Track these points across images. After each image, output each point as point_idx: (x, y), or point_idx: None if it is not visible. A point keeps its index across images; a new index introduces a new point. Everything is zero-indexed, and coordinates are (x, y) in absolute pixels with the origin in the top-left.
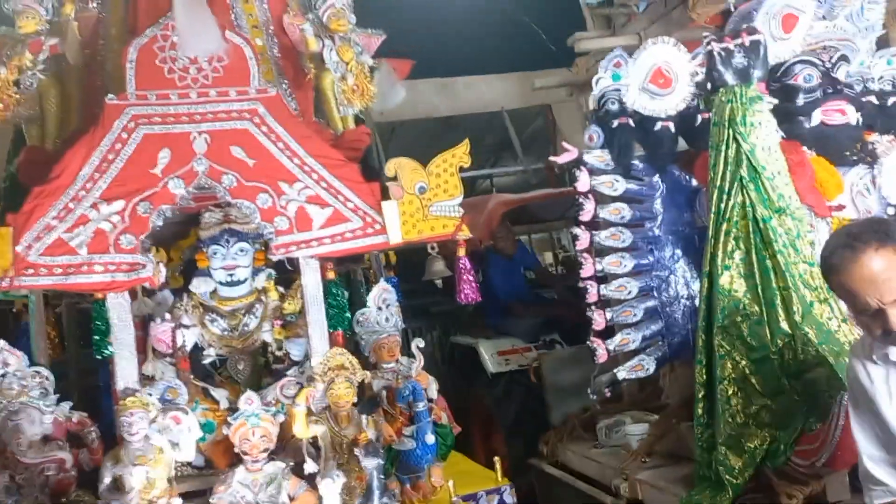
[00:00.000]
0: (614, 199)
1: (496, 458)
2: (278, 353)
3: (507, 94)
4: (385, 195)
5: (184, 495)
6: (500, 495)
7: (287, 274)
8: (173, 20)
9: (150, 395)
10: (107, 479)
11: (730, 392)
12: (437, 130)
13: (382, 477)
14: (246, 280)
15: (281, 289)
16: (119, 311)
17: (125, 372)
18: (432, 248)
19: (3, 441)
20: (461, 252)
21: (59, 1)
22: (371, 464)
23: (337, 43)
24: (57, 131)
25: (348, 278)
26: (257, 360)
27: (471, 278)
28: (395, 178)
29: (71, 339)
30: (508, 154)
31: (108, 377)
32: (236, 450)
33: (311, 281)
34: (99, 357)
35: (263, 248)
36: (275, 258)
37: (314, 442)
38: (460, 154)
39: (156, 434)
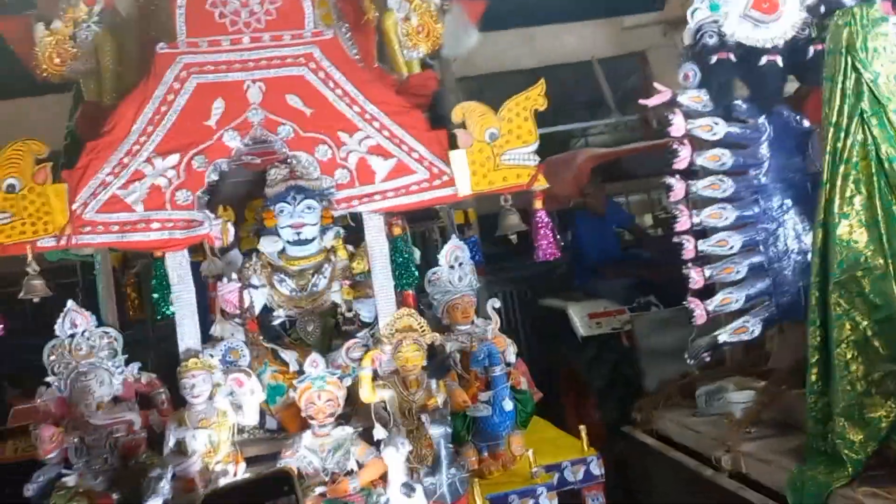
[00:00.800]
0: (714, 145)
1: (581, 427)
2: (348, 315)
3: (596, 42)
4: (453, 144)
5: (254, 458)
6: (586, 466)
7: (357, 232)
8: None
9: (212, 356)
10: (171, 442)
11: (848, 356)
12: (524, 85)
13: (450, 446)
14: (314, 239)
15: (350, 247)
16: (178, 269)
17: (187, 332)
18: (505, 201)
19: (72, 402)
20: (538, 204)
21: None
22: (437, 432)
23: None
24: (113, 85)
25: (423, 237)
26: (327, 322)
27: (549, 233)
28: (462, 125)
29: (146, 297)
30: (601, 108)
31: None
32: (303, 414)
33: (375, 238)
34: (160, 318)
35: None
36: (337, 213)
37: (386, 407)
38: (535, 96)
39: (219, 396)
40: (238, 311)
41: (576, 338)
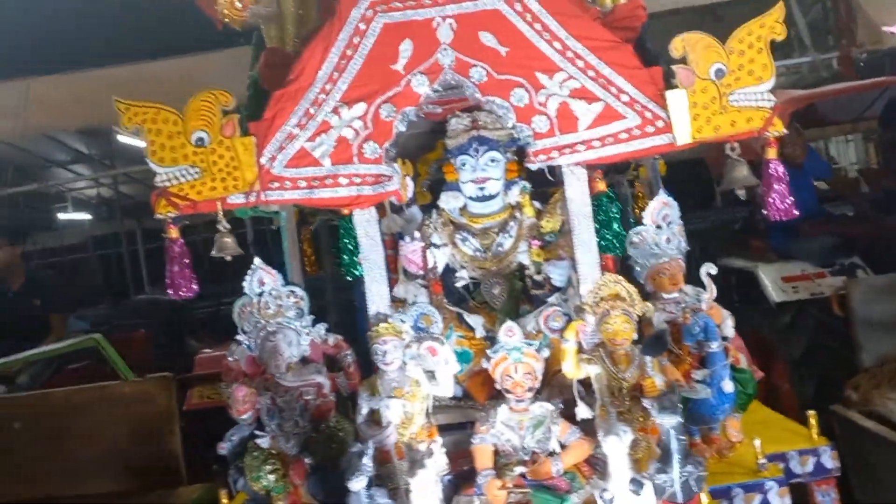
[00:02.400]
0: None
1: (810, 413)
2: (537, 278)
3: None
4: (670, 83)
5: (444, 427)
6: (816, 457)
7: (543, 187)
8: None
9: (403, 321)
10: (364, 412)
11: None
12: (698, 26)
13: (684, 438)
14: (497, 194)
15: (537, 204)
16: (367, 228)
17: (376, 295)
18: (732, 149)
19: (262, 362)
20: (771, 153)
21: None
22: (669, 422)
23: None
24: (295, 30)
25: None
26: (514, 285)
27: (784, 188)
28: (682, 61)
29: (326, 256)
30: (791, 45)
31: (363, 298)
32: (497, 386)
33: (578, 194)
34: (349, 278)
35: (516, 159)
36: (533, 167)
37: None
38: (771, 23)
39: (412, 364)
40: (421, 272)
41: (766, 303)
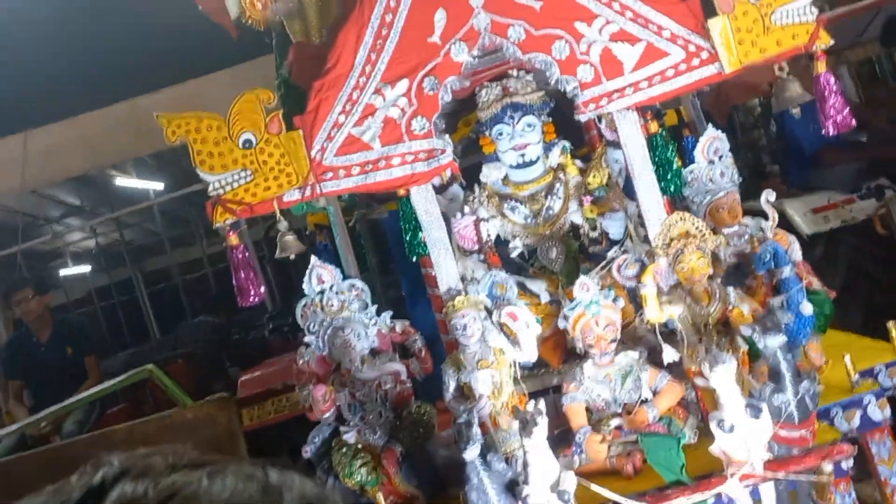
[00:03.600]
0: None
1: (890, 324)
2: (593, 234)
3: None
4: (710, 11)
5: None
6: None
7: (581, 147)
8: None
9: (479, 293)
10: (451, 388)
11: None
12: None
13: (790, 356)
14: (538, 159)
15: (579, 162)
16: (427, 205)
17: (445, 271)
18: (780, 69)
19: (333, 359)
20: (821, 67)
21: None
22: (774, 342)
23: None
24: (319, 21)
25: None
26: (570, 245)
27: (840, 100)
28: None
29: (369, 251)
30: None
31: (411, 285)
32: (578, 345)
33: (633, 138)
34: (413, 259)
35: (552, 120)
36: (584, 118)
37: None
38: None
39: (493, 333)
40: (476, 247)
41: (798, 238)
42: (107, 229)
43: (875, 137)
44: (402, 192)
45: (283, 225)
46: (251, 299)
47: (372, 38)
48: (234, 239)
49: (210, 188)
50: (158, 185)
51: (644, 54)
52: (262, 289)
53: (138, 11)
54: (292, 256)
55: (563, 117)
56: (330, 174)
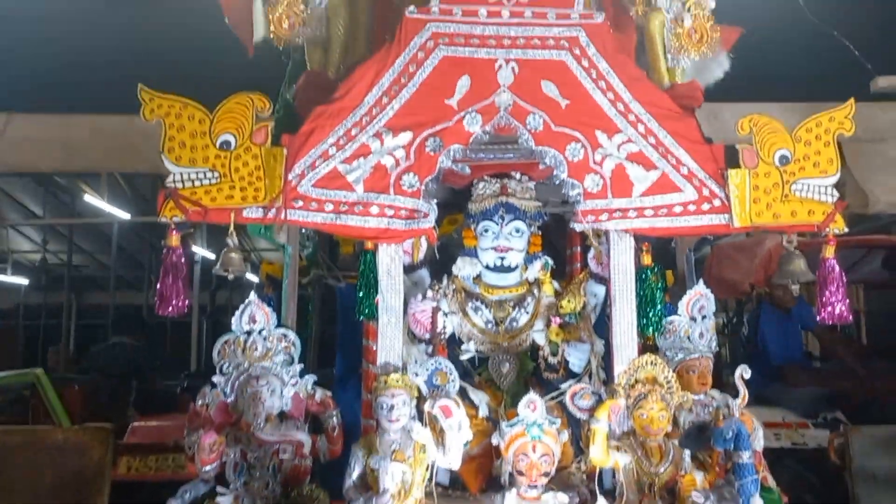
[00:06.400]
0: None
1: None
2: (552, 360)
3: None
4: (732, 162)
5: None
6: None
7: (561, 278)
8: None
9: (417, 375)
10: (356, 473)
11: None
12: None
13: None
14: (517, 267)
15: (556, 284)
16: (390, 266)
17: (389, 341)
18: (789, 241)
19: (237, 409)
20: (829, 252)
21: None
22: None
23: None
24: (341, 58)
25: None
26: (525, 365)
27: (841, 290)
28: (747, 142)
29: (314, 317)
30: None
31: (346, 365)
32: (506, 469)
33: (623, 264)
34: (362, 318)
35: (541, 233)
36: (579, 227)
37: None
38: (841, 118)
39: (418, 426)
40: (428, 335)
41: None
42: (57, 247)
43: (839, 368)
44: (369, 244)
45: (232, 241)
46: (171, 309)
47: (389, 83)
48: (174, 239)
49: (169, 178)
50: (125, 215)
51: (657, 183)
52: (186, 302)
53: (162, 28)
54: (231, 276)
55: (550, 244)
56: (301, 203)
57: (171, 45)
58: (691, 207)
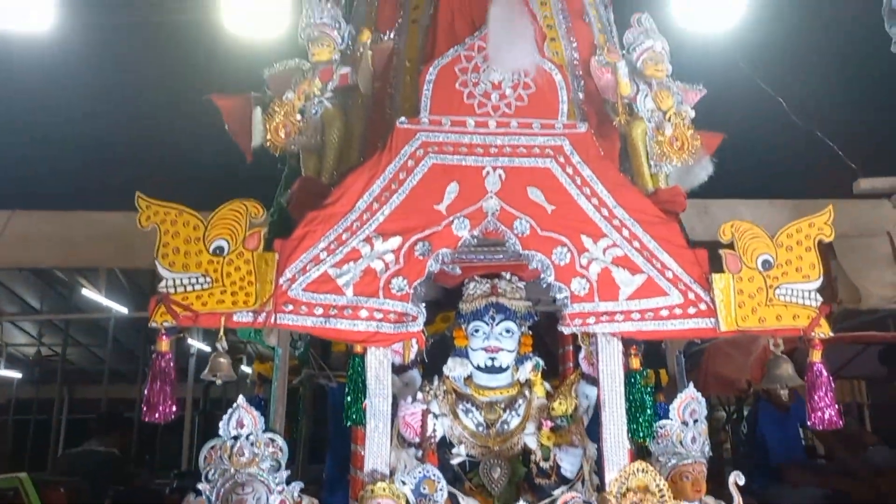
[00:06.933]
0: None
1: None
2: (544, 465)
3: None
4: (717, 266)
5: None
6: None
7: (554, 377)
8: (480, 39)
9: (404, 483)
10: None
11: None
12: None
13: None
14: (508, 368)
15: (547, 385)
16: (378, 371)
17: (377, 448)
18: (776, 346)
19: None
20: (815, 356)
21: (356, 29)
22: None
23: (654, 88)
24: (335, 165)
25: None
26: (517, 470)
27: (829, 395)
28: (730, 246)
29: (303, 418)
30: None
31: (336, 469)
32: None
33: (611, 368)
34: (349, 423)
35: (532, 333)
36: (567, 330)
37: None
38: (820, 224)
39: None
40: (418, 439)
41: None
42: (52, 340)
43: (841, 466)
44: (358, 348)
45: (222, 345)
46: (157, 416)
47: (379, 189)
48: (164, 345)
49: (161, 284)
50: (123, 309)
51: (642, 287)
52: (173, 408)
53: (168, 132)
54: (219, 381)
55: (542, 343)
56: (291, 307)
57: (170, 147)
58: (677, 311)
